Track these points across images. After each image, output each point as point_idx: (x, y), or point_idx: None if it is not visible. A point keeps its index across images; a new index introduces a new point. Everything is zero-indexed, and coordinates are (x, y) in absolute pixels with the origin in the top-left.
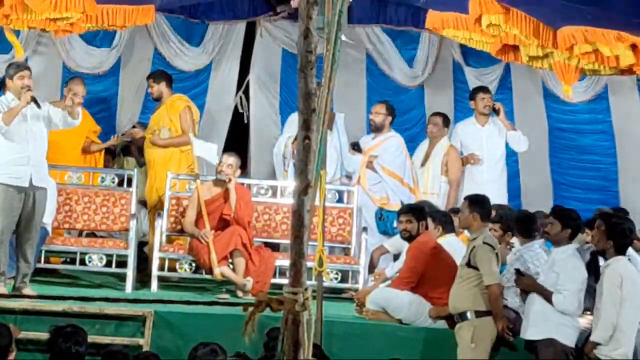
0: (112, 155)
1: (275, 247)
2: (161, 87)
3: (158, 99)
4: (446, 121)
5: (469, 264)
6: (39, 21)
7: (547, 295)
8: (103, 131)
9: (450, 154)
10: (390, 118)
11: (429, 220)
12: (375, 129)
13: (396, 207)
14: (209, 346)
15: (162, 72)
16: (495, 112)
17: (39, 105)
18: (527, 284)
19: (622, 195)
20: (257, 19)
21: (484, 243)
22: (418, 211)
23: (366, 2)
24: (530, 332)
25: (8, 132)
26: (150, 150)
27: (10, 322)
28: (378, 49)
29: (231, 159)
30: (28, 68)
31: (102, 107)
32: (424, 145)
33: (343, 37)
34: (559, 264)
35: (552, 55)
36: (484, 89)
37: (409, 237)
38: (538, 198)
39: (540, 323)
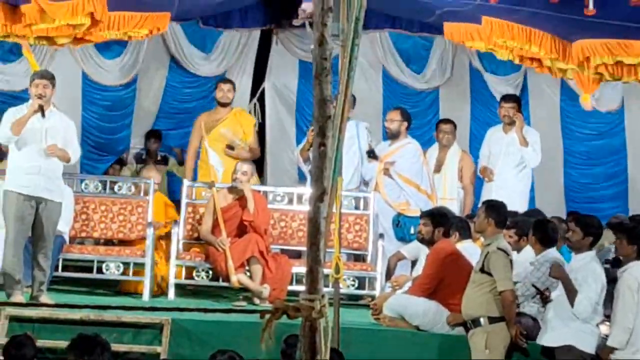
0: (120, 164)
1: (292, 254)
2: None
3: (226, 105)
4: (455, 127)
5: (482, 270)
6: (56, 29)
7: (572, 293)
8: (118, 139)
9: (464, 159)
10: (406, 124)
11: None
12: (391, 136)
13: (415, 212)
14: (227, 353)
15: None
16: (512, 123)
17: (43, 115)
18: (558, 272)
19: (632, 204)
20: (272, 27)
21: (498, 249)
22: (437, 217)
23: (381, 9)
24: (549, 338)
25: (20, 141)
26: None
27: (28, 330)
28: (388, 53)
29: (245, 166)
30: (46, 77)
31: (118, 115)
32: (433, 152)
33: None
34: (578, 271)
35: (570, 66)
36: (505, 98)
37: (422, 240)
38: (551, 204)
39: (558, 329)
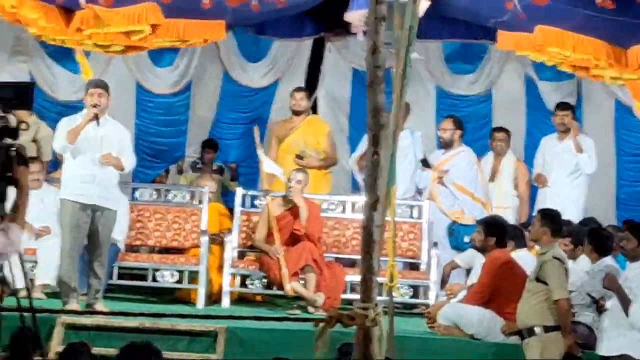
0: (167, 172)
1: (346, 263)
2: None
3: (299, 113)
4: (509, 135)
5: (537, 279)
6: (112, 35)
7: (626, 302)
8: (173, 146)
9: (519, 168)
10: (459, 132)
11: None
12: (445, 145)
13: (470, 221)
14: None
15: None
16: (566, 131)
17: (98, 124)
18: (611, 284)
19: None
20: (325, 35)
21: (554, 257)
22: (491, 226)
23: (435, 17)
24: (604, 347)
25: (75, 150)
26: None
27: (83, 338)
28: (440, 61)
29: (300, 175)
30: (101, 86)
31: (173, 122)
32: (489, 160)
33: (414, 55)
34: (633, 279)
35: (625, 75)
36: (560, 106)
37: (475, 248)
38: (602, 212)
39: (614, 339)
